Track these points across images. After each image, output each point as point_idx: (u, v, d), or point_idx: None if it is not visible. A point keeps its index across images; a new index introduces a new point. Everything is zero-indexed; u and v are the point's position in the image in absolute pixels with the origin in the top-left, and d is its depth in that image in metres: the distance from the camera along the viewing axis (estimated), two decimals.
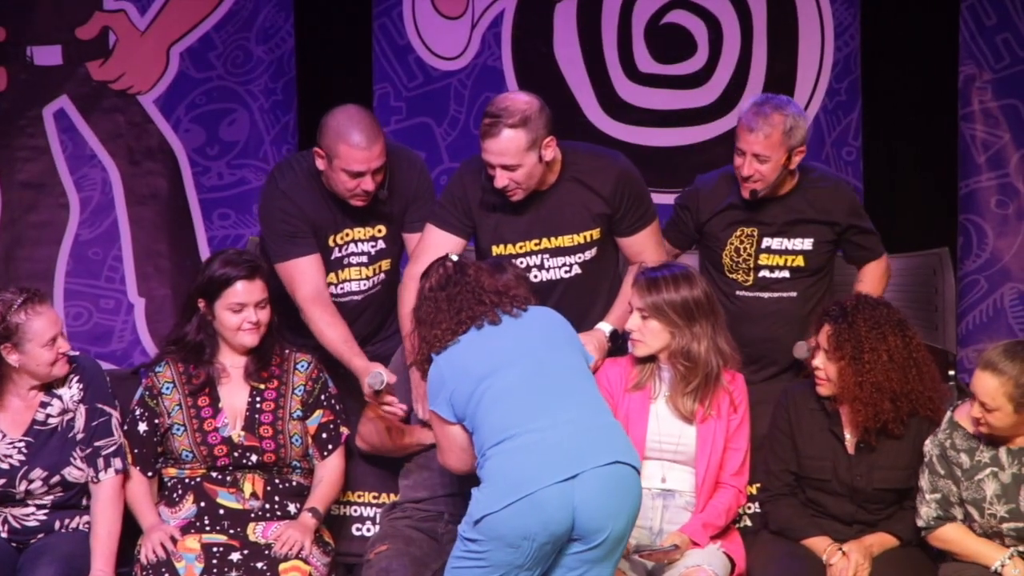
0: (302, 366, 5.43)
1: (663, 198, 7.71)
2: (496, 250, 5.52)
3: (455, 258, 4.97)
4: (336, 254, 5.70)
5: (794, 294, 5.76)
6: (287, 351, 5.44)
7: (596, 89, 7.61)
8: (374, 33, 7.59)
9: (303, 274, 5.59)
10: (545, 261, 5.52)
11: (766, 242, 5.74)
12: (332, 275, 5.70)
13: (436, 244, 5.50)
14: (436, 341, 4.82)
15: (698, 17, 7.55)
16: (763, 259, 5.74)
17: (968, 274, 7.41)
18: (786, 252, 5.74)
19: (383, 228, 5.73)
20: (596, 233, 5.53)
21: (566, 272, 5.54)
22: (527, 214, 5.50)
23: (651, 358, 5.27)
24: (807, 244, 5.74)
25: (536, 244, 5.51)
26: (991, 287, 7.37)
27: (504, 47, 7.63)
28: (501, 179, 5.36)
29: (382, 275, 5.78)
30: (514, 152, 5.32)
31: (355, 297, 5.73)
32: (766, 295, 5.76)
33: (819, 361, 5.23)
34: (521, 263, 5.47)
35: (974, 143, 7.39)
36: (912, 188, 7.53)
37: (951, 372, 6.74)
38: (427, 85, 7.58)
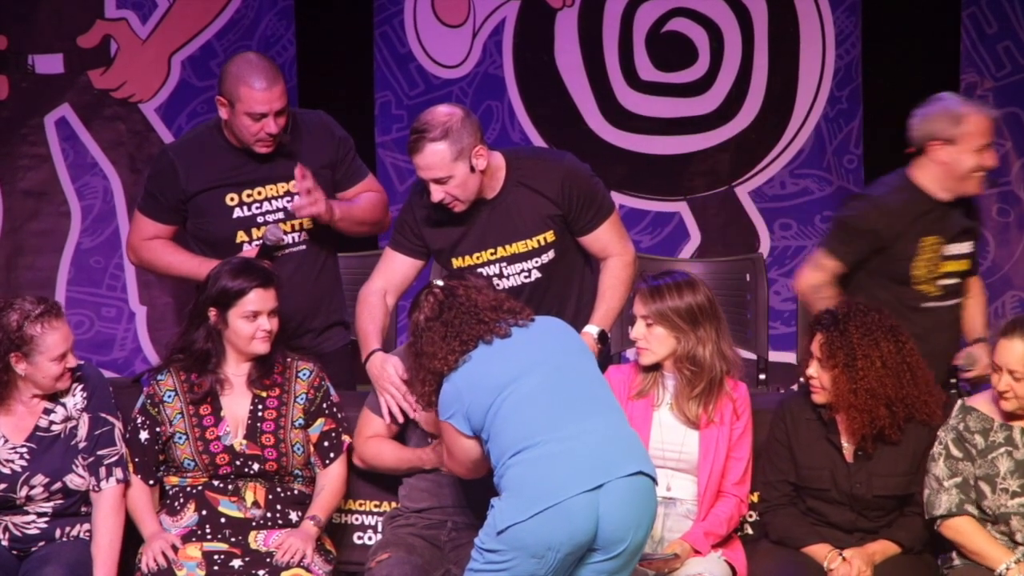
0: (304, 374, 5.42)
1: (664, 206, 7.76)
2: (456, 262, 5.52)
3: (440, 283, 4.96)
4: (241, 212, 5.79)
5: (960, 300, 5.81)
6: (289, 359, 5.44)
7: (597, 97, 7.62)
8: (375, 41, 7.61)
9: (140, 230, 5.90)
10: (503, 269, 5.52)
11: (948, 249, 5.73)
12: (243, 233, 5.79)
13: (393, 266, 5.58)
14: (444, 366, 4.80)
15: (699, 25, 7.57)
16: (946, 266, 5.73)
17: None
18: (960, 257, 5.75)
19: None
20: (550, 236, 5.52)
21: (526, 278, 5.53)
22: (478, 224, 5.50)
23: (655, 366, 5.27)
24: (970, 247, 5.77)
25: (492, 253, 5.51)
26: (992, 295, 7.37)
27: (505, 55, 7.64)
28: (436, 193, 5.37)
29: (304, 233, 5.84)
30: (440, 165, 5.32)
31: (276, 254, 5.78)
32: (949, 303, 5.75)
33: (813, 370, 5.23)
34: (481, 274, 5.47)
35: None
36: None
37: (953, 380, 6.75)
38: (428, 93, 7.59)
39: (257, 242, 5.76)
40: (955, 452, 5.14)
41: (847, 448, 5.24)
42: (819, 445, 5.26)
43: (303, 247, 5.83)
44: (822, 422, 5.27)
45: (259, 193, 5.79)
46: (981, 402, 5.19)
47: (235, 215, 5.78)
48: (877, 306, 5.34)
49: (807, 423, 5.29)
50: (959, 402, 5.21)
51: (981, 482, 5.11)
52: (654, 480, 4.71)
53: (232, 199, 5.78)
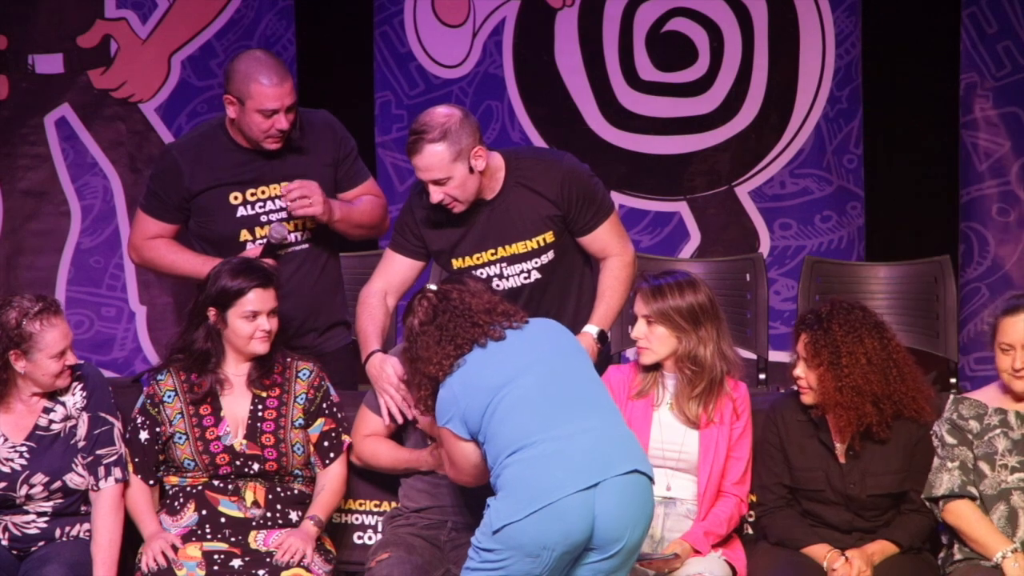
0: (304, 374, 5.42)
1: (663, 206, 7.75)
2: (456, 263, 5.53)
3: (434, 287, 4.96)
4: (244, 211, 5.79)
5: None
6: (289, 359, 5.44)
7: (597, 97, 7.62)
8: (375, 41, 7.61)
9: (143, 230, 5.89)
10: (503, 270, 5.52)
11: None
12: (246, 231, 5.80)
13: (393, 267, 5.59)
14: (439, 371, 4.80)
15: (699, 25, 7.57)
16: None
17: (969, 282, 7.42)
18: None
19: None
20: (549, 236, 5.52)
21: (525, 278, 5.53)
22: (478, 225, 5.50)
23: (655, 366, 5.27)
24: None
25: (492, 254, 5.51)
26: (993, 295, 7.38)
27: (505, 55, 7.64)
28: (436, 194, 5.37)
29: (307, 232, 5.84)
30: (439, 166, 5.32)
31: (280, 253, 5.79)
32: None
33: (800, 370, 5.23)
34: (481, 274, 5.48)
35: (975, 151, 7.40)
36: (913, 196, 7.55)
37: (952, 380, 6.75)
38: (428, 93, 7.59)
39: (261, 240, 5.77)
40: (950, 440, 5.15)
41: (839, 448, 5.24)
42: (811, 446, 5.25)
43: (306, 246, 5.84)
44: (813, 423, 5.26)
45: (263, 192, 5.79)
46: (973, 394, 5.21)
47: (239, 213, 5.79)
48: (861, 304, 5.34)
49: (798, 425, 5.28)
50: (951, 397, 5.22)
51: (980, 462, 5.11)
52: (651, 479, 4.71)
53: (236, 198, 5.78)
